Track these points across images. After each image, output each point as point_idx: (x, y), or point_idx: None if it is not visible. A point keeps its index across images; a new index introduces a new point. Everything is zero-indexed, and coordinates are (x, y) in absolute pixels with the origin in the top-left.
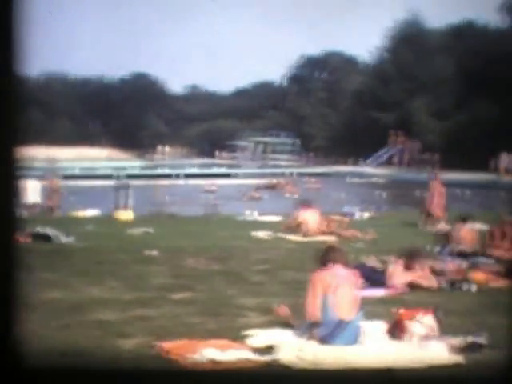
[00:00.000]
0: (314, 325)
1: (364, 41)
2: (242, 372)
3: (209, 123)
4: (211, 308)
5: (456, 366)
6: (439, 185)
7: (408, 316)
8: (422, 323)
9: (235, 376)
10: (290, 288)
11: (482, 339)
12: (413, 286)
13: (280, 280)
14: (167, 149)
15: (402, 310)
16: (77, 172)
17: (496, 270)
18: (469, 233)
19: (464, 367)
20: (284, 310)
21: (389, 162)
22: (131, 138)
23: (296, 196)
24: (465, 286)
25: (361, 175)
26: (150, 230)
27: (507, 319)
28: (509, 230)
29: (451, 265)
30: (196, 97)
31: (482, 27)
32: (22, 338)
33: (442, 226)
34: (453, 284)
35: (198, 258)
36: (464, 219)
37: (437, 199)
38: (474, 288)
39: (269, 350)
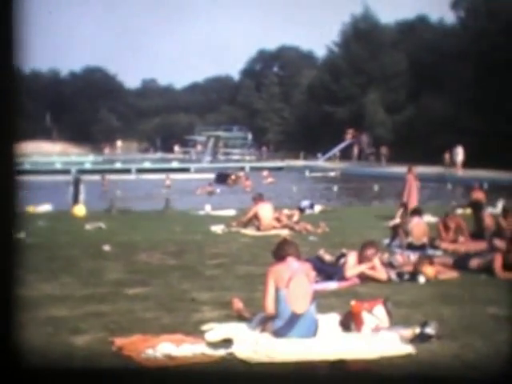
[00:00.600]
0: (268, 318)
1: (318, 36)
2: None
3: (162, 118)
4: (166, 303)
5: (406, 357)
6: (414, 178)
7: (359, 308)
8: (373, 315)
9: (189, 372)
10: (244, 282)
11: (431, 329)
12: (364, 279)
13: (234, 274)
14: (120, 143)
15: (353, 302)
16: (28, 167)
17: (444, 261)
18: (418, 225)
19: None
20: (238, 304)
21: (342, 156)
22: (84, 133)
23: (249, 190)
24: (414, 278)
25: (314, 169)
26: (103, 226)
27: (455, 309)
28: (455, 222)
29: (401, 257)
30: (150, 91)
31: (434, 23)
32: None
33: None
34: (402, 276)
35: (153, 252)
36: (413, 212)
37: (413, 192)
38: (422, 280)
39: (224, 343)
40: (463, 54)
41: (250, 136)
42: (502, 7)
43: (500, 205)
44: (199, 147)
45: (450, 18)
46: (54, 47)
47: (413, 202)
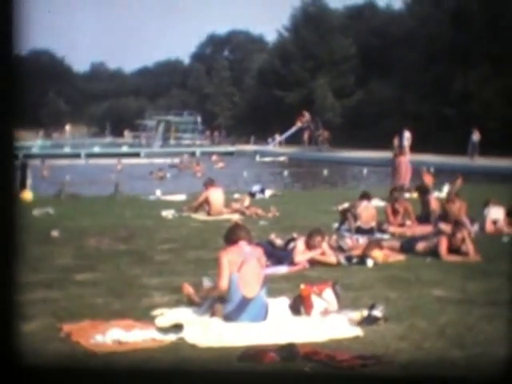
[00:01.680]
0: (219, 302)
1: (268, 20)
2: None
3: (112, 102)
4: (115, 288)
5: (355, 339)
6: (406, 160)
7: (308, 291)
8: (322, 298)
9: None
10: (195, 266)
11: (378, 312)
12: (314, 263)
13: (185, 259)
14: (69, 128)
15: (303, 286)
16: None
17: (391, 245)
18: (366, 210)
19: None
20: (188, 289)
21: (292, 141)
22: (31, 117)
23: (200, 175)
24: (362, 262)
25: (264, 154)
26: (51, 211)
27: (401, 292)
28: (403, 206)
29: (350, 241)
30: (99, 75)
31: (382, 8)
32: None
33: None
34: (351, 259)
35: (102, 238)
36: (361, 196)
37: (406, 173)
38: (370, 263)
39: (174, 328)
40: (410, 40)
41: (200, 120)
42: None
43: (445, 189)
44: (150, 132)
45: (397, 3)
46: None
47: (406, 182)
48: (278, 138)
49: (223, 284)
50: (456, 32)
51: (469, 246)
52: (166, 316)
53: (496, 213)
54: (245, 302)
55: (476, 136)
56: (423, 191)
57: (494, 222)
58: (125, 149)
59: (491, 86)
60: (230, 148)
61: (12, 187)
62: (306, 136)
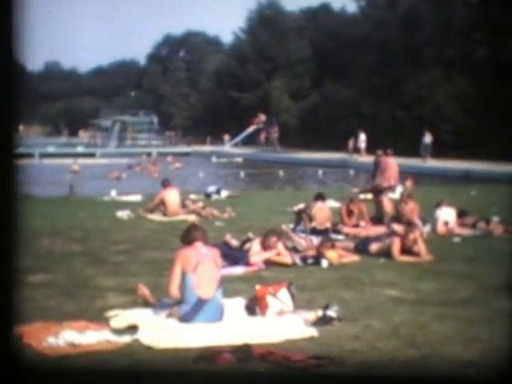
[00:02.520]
0: (174, 303)
1: (224, 21)
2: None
3: (66, 102)
4: (69, 290)
5: (310, 339)
6: (393, 161)
7: (264, 292)
8: (278, 298)
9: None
10: (150, 267)
11: (332, 312)
12: (269, 263)
13: (140, 260)
14: (22, 127)
15: (258, 287)
16: None
17: (346, 246)
18: (321, 210)
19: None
20: (143, 290)
21: (249, 142)
22: None
23: (156, 175)
24: (317, 262)
25: (220, 155)
26: None
27: (356, 292)
28: (358, 207)
29: (304, 242)
30: (54, 75)
31: (337, 11)
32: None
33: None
34: (306, 260)
35: (55, 239)
36: (316, 197)
37: (393, 172)
38: (325, 263)
39: (129, 330)
40: (364, 43)
41: (156, 121)
42: None
43: (398, 190)
44: (106, 132)
45: (351, 6)
46: None
47: (392, 180)
48: (226, 138)
49: (172, 289)
50: (409, 36)
51: (420, 247)
52: (121, 317)
53: (447, 214)
54: (200, 303)
55: (428, 138)
56: (377, 192)
57: (446, 223)
58: (80, 149)
59: (443, 89)
60: (187, 149)
61: None
62: (262, 137)
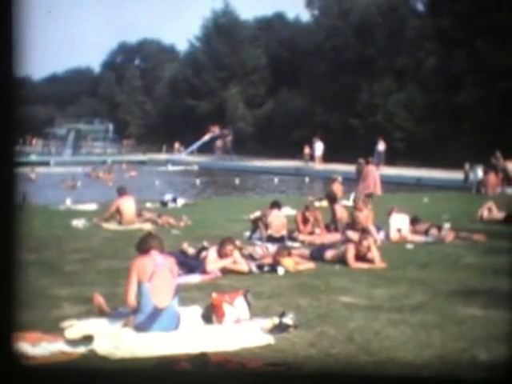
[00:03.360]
0: (130, 312)
1: (179, 29)
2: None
3: (20, 109)
4: (23, 300)
5: (266, 347)
6: (374, 169)
7: (220, 300)
8: (234, 306)
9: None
10: (106, 277)
11: (288, 320)
12: (226, 271)
13: (96, 269)
14: None
15: (214, 295)
16: None
17: (301, 253)
18: (277, 218)
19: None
20: (99, 299)
21: (205, 150)
22: None
23: (111, 184)
24: (273, 270)
25: (176, 163)
26: None
27: (311, 299)
28: (313, 215)
29: (261, 249)
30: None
31: (291, 20)
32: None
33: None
34: (262, 268)
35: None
36: (272, 205)
37: (375, 181)
38: (281, 271)
39: (85, 340)
40: (318, 51)
41: (111, 129)
42: (352, 7)
43: (353, 197)
44: (60, 140)
45: (305, 16)
46: None
47: (376, 188)
48: (177, 147)
49: (130, 298)
50: (361, 45)
51: (374, 254)
52: (76, 327)
53: (400, 221)
54: (156, 312)
55: (381, 146)
56: (332, 200)
57: (399, 230)
58: (33, 157)
59: (395, 97)
60: (142, 157)
61: None
62: (218, 145)
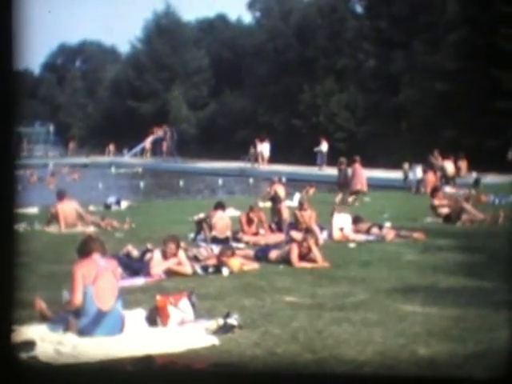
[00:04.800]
0: (73, 316)
1: (121, 30)
2: None
3: None
4: None
5: (211, 348)
6: (360, 167)
7: (164, 302)
8: (179, 308)
9: None
10: (47, 281)
11: (233, 320)
12: (170, 273)
13: (37, 273)
14: None
15: (158, 297)
16: None
17: (246, 254)
18: (221, 219)
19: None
20: (40, 304)
21: (148, 152)
22: None
23: (53, 187)
24: (218, 271)
25: (120, 165)
26: None
27: (256, 299)
28: (257, 215)
29: (205, 250)
30: None
31: (232, 21)
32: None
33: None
34: (207, 269)
35: None
36: (216, 206)
37: (361, 178)
38: (226, 272)
39: (26, 346)
40: (260, 52)
41: (52, 131)
42: (292, 8)
43: (296, 198)
44: None
45: (247, 17)
46: None
47: (363, 185)
48: (111, 149)
49: (77, 298)
50: (302, 46)
51: (316, 253)
52: (17, 332)
53: (342, 220)
54: (100, 315)
55: (324, 146)
56: (275, 200)
57: (341, 229)
58: None
59: (336, 98)
60: (85, 159)
61: None
62: (164, 146)
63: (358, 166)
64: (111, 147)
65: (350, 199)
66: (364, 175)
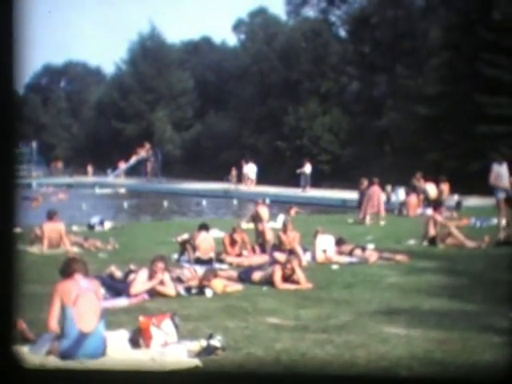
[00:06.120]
0: (54, 338)
1: (105, 52)
2: None
3: None
4: None
5: (194, 369)
6: (378, 189)
7: (147, 323)
8: (162, 329)
9: None
10: (29, 302)
11: (216, 342)
12: (153, 294)
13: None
14: None
15: (141, 318)
16: None
17: (229, 275)
18: (205, 240)
19: None
20: (21, 325)
21: (133, 173)
22: None
23: (35, 206)
24: (201, 292)
25: (103, 185)
26: None
27: (239, 321)
28: (240, 236)
29: (189, 272)
30: None
31: (217, 44)
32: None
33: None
34: (190, 290)
35: None
36: (200, 227)
37: (379, 201)
38: (209, 293)
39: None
40: (244, 75)
41: (35, 150)
42: (277, 32)
43: (280, 219)
44: None
45: (231, 40)
46: None
47: (380, 208)
48: (90, 169)
49: (51, 323)
50: (286, 69)
51: (300, 275)
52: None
53: (326, 242)
54: (82, 337)
55: (307, 168)
56: (255, 220)
57: (324, 251)
58: None
59: (320, 121)
60: (69, 179)
61: None
62: (147, 167)
63: (376, 188)
64: (89, 168)
65: (368, 220)
66: (381, 199)
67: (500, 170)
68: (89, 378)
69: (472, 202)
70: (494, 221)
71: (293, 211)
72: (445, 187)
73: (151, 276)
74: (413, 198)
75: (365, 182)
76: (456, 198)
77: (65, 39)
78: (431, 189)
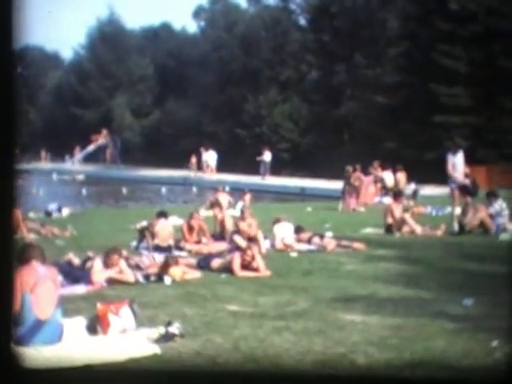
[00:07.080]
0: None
1: (64, 37)
2: None
3: None
4: None
5: (153, 356)
6: (372, 181)
7: (105, 310)
8: (120, 316)
9: None
10: None
11: (174, 329)
12: (112, 282)
13: None
14: None
15: (99, 305)
16: None
17: (188, 262)
18: (163, 228)
19: None
20: None
21: (92, 159)
22: None
23: None
24: (160, 279)
25: (61, 172)
26: None
27: (198, 308)
28: (198, 224)
29: (147, 259)
30: None
31: (177, 30)
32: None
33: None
34: (149, 277)
35: None
36: (158, 215)
37: (366, 189)
38: (168, 280)
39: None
40: (204, 62)
41: None
42: (237, 19)
43: (239, 207)
44: None
45: (191, 27)
46: None
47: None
48: (43, 154)
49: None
50: (246, 56)
51: (259, 262)
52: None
53: (285, 230)
54: (38, 324)
55: (267, 156)
56: (213, 206)
57: (283, 239)
58: None
59: (280, 109)
60: (27, 166)
61: None
62: (106, 154)
63: (367, 179)
64: (43, 153)
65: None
66: (369, 188)
67: (454, 160)
68: (89, 378)
69: (428, 190)
70: (449, 209)
71: (247, 197)
72: (401, 176)
73: (107, 264)
74: (370, 187)
75: (350, 170)
76: (413, 186)
77: (21, 23)
78: (388, 177)
